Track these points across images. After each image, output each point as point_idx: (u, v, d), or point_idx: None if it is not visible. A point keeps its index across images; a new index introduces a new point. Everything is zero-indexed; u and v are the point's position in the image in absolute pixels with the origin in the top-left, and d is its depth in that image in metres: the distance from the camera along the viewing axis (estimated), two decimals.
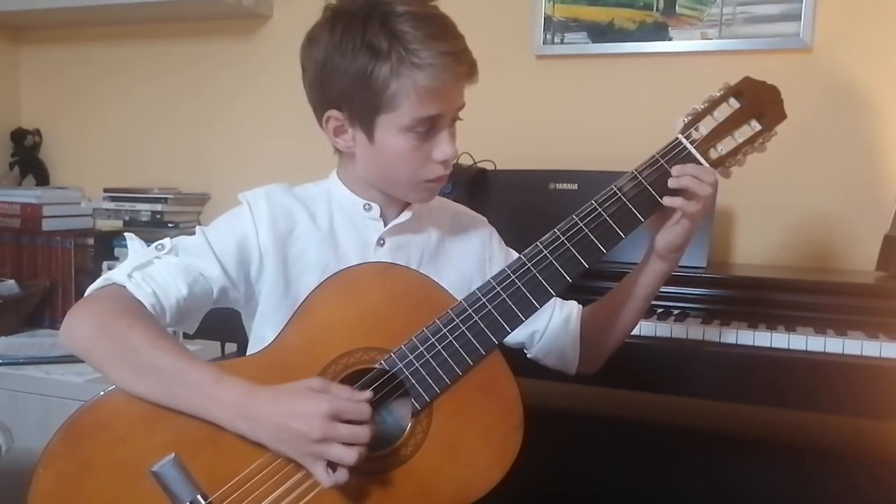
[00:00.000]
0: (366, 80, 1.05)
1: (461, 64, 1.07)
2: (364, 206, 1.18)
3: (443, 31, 1.07)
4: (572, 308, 1.30)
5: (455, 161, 1.16)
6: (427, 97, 1.06)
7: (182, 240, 1.13)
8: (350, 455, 0.93)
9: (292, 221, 1.16)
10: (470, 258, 1.26)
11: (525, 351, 1.32)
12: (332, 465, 0.95)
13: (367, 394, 0.99)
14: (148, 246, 1.12)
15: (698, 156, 1.11)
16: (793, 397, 1.41)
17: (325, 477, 0.94)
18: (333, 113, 1.11)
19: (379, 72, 1.05)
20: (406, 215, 1.19)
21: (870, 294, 1.56)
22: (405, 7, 1.05)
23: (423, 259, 1.21)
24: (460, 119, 1.14)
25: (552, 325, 1.28)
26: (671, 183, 1.10)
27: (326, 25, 1.09)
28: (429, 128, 1.09)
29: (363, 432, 0.95)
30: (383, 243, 1.18)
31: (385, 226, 1.19)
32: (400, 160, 1.11)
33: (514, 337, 1.27)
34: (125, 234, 1.15)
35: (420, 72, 1.04)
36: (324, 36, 1.09)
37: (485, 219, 1.32)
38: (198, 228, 1.15)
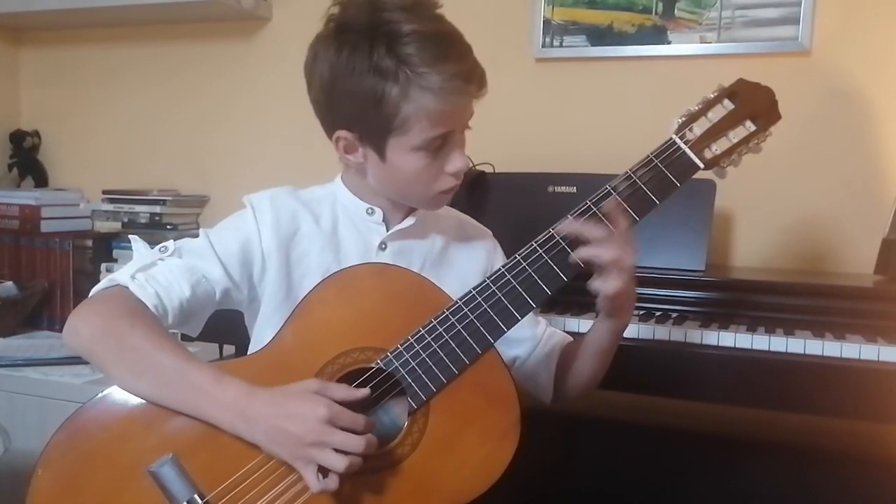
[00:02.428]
0: (375, 104, 1.05)
1: (470, 83, 1.06)
2: (367, 210, 1.19)
3: (450, 50, 1.05)
4: (555, 345, 1.29)
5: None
6: (438, 119, 1.06)
7: (185, 242, 1.14)
8: (341, 463, 0.93)
9: (296, 224, 1.17)
10: (472, 268, 1.26)
11: None
12: (324, 471, 0.95)
13: (364, 391, 0.99)
14: (151, 248, 1.12)
15: (692, 155, 1.12)
16: (791, 400, 1.41)
17: (314, 482, 0.94)
18: (343, 133, 1.11)
19: (389, 96, 1.04)
20: (409, 221, 1.19)
21: (868, 297, 1.56)
22: (411, 26, 1.04)
23: (425, 266, 1.21)
24: (469, 128, 1.14)
25: (534, 356, 1.27)
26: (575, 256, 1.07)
27: (332, 44, 1.07)
28: (440, 144, 1.09)
29: (358, 442, 0.95)
30: (385, 247, 1.19)
31: (388, 230, 1.19)
32: (413, 177, 1.11)
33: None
34: (129, 236, 1.16)
35: (430, 95, 1.03)
36: (330, 56, 1.07)
37: (490, 232, 1.33)
38: (201, 231, 1.16)
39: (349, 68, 1.05)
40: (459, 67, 1.05)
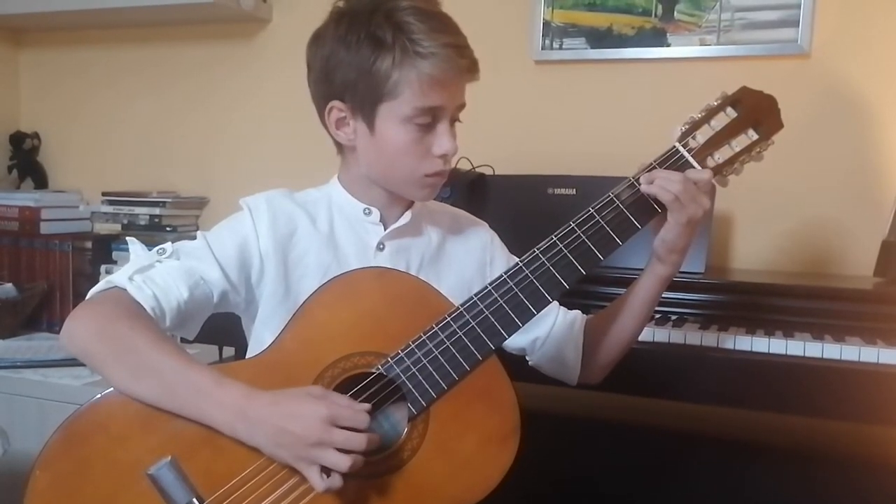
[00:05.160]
0: (368, 70, 1.07)
1: (463, 57, 1.08)
2: (364, 210, 1.19)
3: (446, 26, 1.09)
4: (576, 316, 1.31)
5: (455, 159, 1.17)
6: (429, 86, 1.07)
7: (183, 244, 1.14)
8: (344, 462, 0.93)
9: (293, 226, 1.16)
10: (470, 262, 1.26)
11: (526, 358, 1.32)
12: (327, 470, 0.95)
13: (366, 406, 0.99)
14: (149, 250, 1.12)
15: (695, 164, 1.12)
16: (790, 403, 1.41)
17: (318, 481, 0.94)
18: (336, 104, 1.13)
19: (382, 61, 1.07)
20: (405, 218, 1.19)
21: (867, 300, 1.56)
22: (409, 2, 1.08)
23: (423, 263, 1.21)
24: (460, 121, 1.15)
25: (554, 332, 1.28)
26: (643, 189, 1.11)
27: (332, 23, 1.12)
28: (429, 120, 1.10)
29: (359, 439, 0.95)
30: (383, 248, 1.19)
31: (385, 230, 1.19)
32: (400, 152, 1.11)
33: (516, 343, 1.28)
34: (127, 238, 1.16)
35: (423, 60, 1.06)
36: (329, 32, 1.11)
37: (485, 223, 1.33)
38: (199, 233, 1.15)
39: (347, 40, 1.08)
40: (453, 40, 1.08)
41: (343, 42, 1.09)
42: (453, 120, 1.14)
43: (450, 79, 1.09)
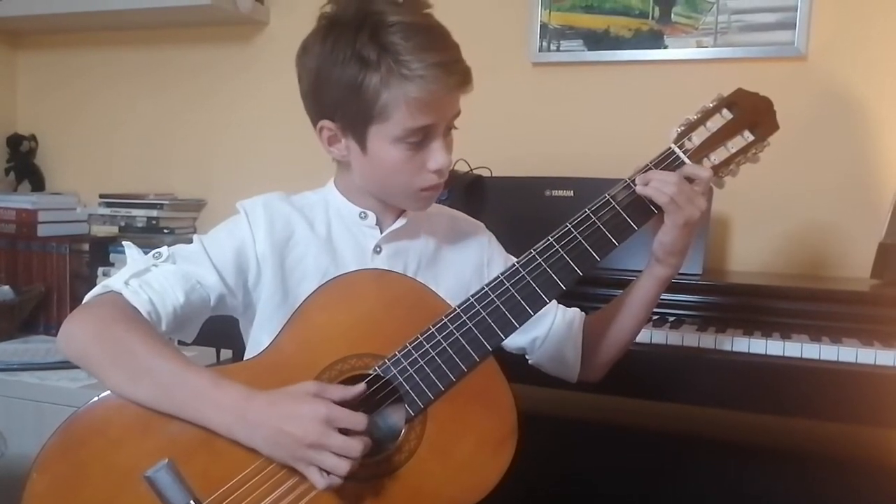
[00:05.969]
0: (356, 91, 1.06)
1: (452, 75, 1.06)
2: (360, 214, 1.19)
3: (433, 42, 1.06)
4: (575, 314, 1.30)
5: (453, 160, 1.16)
6: (417, 108, 1.05)
7: (180, 248, 1.14)
8: (341, 466, 0.94)
9: (290, 229, 1.16)
10: (468, 263, 1.26)
11: (526, 357, 1.32)
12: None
13: (360, 387, 0.99)
14: (145, 254, 1.12)
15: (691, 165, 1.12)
16: (788, 404, 1.41)
17: (318, 479, 0.94)
18: (326, 123, 1.12)
19: (369, 83, 1.05)
20: (401, 221, 1.19)
21: (864, 302, 1.56)
22: (396, 17, 1.05)
23: (421, 265, 1.21)
24: (456, 128, 1.14)
25: (554, 331, 1.28)
26: (639, 191, 1.11)
27: (319, 35, 1.10)
28: (421, 138, 1.09)
29: (356, 445, 0.95)
30: (380, 251, 1.19)
31: (381, 233, 1.19)
32: (393, 170, 1.11)
33: (516, 342, 1.28)
34: (123, 242, 1.15)
35: (409, 83, 1.04)
36: (316, 45, 1.09)
37: (482, 224, 1.33)
38: (195, 237, 1.15)
39: (333, 57, 1.06)
40: (441, 58, 1.05)
41: (329, 59, 1.07)
42: (448, 129, 1.13)
43: (439, 98, 1.06)
